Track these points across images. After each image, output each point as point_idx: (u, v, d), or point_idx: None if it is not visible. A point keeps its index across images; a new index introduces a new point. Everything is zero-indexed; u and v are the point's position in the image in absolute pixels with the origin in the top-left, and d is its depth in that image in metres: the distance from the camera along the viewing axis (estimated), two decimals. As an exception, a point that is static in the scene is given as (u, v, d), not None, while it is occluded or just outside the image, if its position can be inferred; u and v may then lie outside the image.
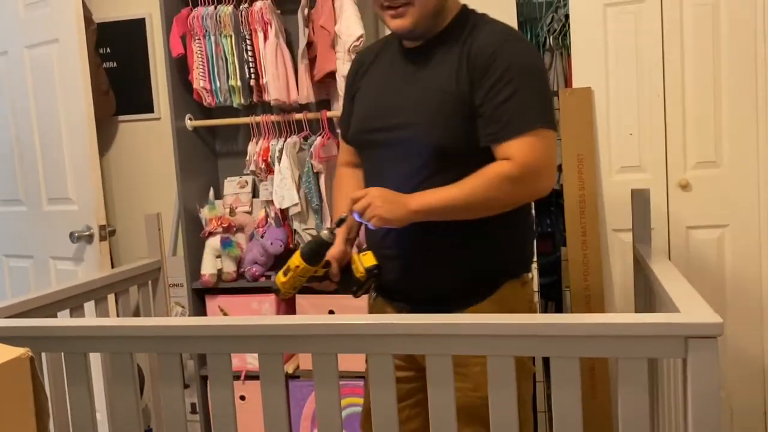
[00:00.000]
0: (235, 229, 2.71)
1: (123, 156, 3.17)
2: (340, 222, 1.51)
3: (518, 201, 1.44)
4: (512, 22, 2.79)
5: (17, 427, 0.79)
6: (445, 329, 1.18)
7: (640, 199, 1.85)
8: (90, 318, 1.80)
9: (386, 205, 1.38)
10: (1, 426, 0.75)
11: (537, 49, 1.52)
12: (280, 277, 1.62)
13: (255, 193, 2.90)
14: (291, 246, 2.67)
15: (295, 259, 1.57)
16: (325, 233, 1.52)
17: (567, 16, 2.86)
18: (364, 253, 1.55)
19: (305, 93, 2.55)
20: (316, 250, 1.52)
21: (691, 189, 2.63)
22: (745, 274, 2.61)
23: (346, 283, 1.54)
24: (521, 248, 1.56)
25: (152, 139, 3.12)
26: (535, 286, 1.65)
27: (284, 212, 2.64)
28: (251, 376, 2.65)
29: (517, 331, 1.16)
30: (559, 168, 2.80)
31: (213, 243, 2.66)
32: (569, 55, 2.87)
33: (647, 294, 1.67)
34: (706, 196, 2.62)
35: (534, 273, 1.64)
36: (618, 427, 1.14)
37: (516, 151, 1.36)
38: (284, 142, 2.60)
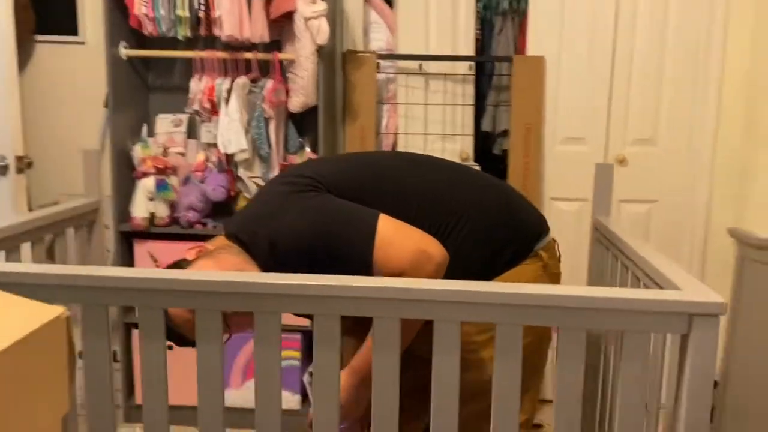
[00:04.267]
0: (171, 171, 2.53)
1: (39, 81, 2.86)
2: None
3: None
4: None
5: (54, 390, 0.69)
6: (452, 296, 1.15)
7: (603, 173, 1.90)
8: (15, 264, 1.61)
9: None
10: (40, 391, 0.65)
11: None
12: None
13: (190, 134, 2.72)
14: (233, 194, 2.54)
15: None
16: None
17: (524, -19, 2.85)
18: None
19: (259, 31, 2.40)
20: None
21: (627, 164, 2.75)
22: (668, 248, 2.78)
23: None
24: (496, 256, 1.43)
25: (72, 64, 2.83)
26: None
27: (228, 157, 2.49)
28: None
29: (526, 301, 1.16)
30: (506, 133, 2.84)
31: (147, 184, 2.48)
32: (521, 21, 2.88)
33: (611, 267, 1.72)
34: (640, 171, 2.75)
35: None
36: (616, 397, 1.18)
37: None
38: (232, 82, 2.44)
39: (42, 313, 0.67)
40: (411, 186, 1.42)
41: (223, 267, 1.30)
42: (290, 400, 2.59)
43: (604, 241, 1.84)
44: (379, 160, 1.52)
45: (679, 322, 1.13)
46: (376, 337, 1.20)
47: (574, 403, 1.19)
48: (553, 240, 1.52)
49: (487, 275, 1.38)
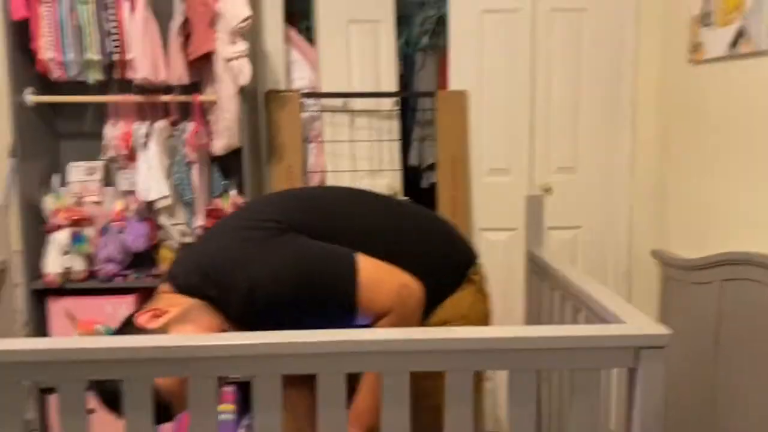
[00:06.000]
0: (86, 222, 2.39)
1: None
2: None
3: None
4: (391, 18, 2.76)
5: None
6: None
7: (533, 204, 1.92)
8: None
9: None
10: None
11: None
12: None
13: (106, 182, 2.58)
14: (155, 242, 2.41)
15: None
16: None
17: (440, 18, 2.90)
18: None
19: (178, 73, 2.32)
20: None
21: (553, 192, 2.81)
22: (594, 271, 2.84)
23: None
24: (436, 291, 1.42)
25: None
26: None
27: (148, 205, 2.37)
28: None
29: (473, 346, 1.13)
30: (432, 166, 2.85)
31: (60, 238, 2.32)
32: (441, 57, 2.92)
33: (548, 299, 1.73)
34: (564, 199, 2.81)
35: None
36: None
37: None
38: (149, 126, 2.34)
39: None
40: (365, 224, 1.42)
41: (210, 331, 1.24)
42: (226, 456, 2.46)
43: (539, 272, 1.85)
44: (327, 197, 1.50)
45: (627, 356, 1.13)
46: (321, 391, 1.14)
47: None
48: (479, 263, 1.56)
49: (432, 304, 1.38)
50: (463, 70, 2.74)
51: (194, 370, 1.11)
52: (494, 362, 1.14)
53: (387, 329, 1.21)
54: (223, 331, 1.28)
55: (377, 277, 1.28)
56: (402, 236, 1.45)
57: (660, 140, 2.73)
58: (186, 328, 1.24)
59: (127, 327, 1.28)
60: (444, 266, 1.47)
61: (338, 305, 1.24)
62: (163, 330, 1.24)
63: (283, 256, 1.27)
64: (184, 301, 1.29)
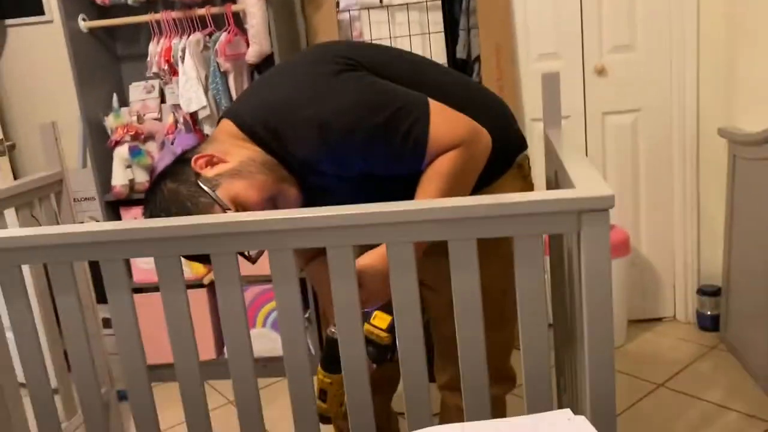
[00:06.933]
0: (143, 136, 2.57)
1: (14, 64, 2.92)
2: None
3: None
4: None
5: None
6: (343, 220, 1.14)
7: (550, 83, 1.81)
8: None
9: (377, 282, 1.23)
10: None
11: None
12: (321, 406, 1.35)
13: (163, 98, 2.74)
14: (204, 151, 2.56)
15: (322, 377, 1.35)
16: (332, 330, 1.29)
17: None
18: (372, 317, 1.33)
19: (207, -15, 2.38)
20: (334, 355, 1.25)
21: (607, 74, 2.63)
22: (657, 157, 2.67)
23: (375, 358, 1.30)
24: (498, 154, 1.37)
25: (46, 43, 2.88)
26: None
27: (194, 116, 2.51)
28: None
29: (414, 217, 1.14)
30: (478, 59, 2.75)
31: (121, 152, 2.53)
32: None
33: (555, 178, 1.67)
34: (621, 80, 2.62)
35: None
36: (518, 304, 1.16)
37: None
38: (186, 40, 2.44)
39: None
40: (437, 77, 1.42)
41: (261, 191, 1.23)
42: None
43: (552, 153, 1.78)
44: (398, 52, 1.48)
45: (570, 221, 1.09)
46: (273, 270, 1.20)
47: (473, 312, 1.17)
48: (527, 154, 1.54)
49: (485, 178, 1.34)
50: (503, -51, 2.58)
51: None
52: (434, 233, 1.14)
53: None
54: (278, 191, 1.25)
55: (451, 114, 1.26)
56: (473, 96, 1.43)
57: (728, 5, 2.45)
58: (237, 185, 1.22)
59: (182, 164, 1.27)
60: (507, 136, 1.44)
61: (412, 134, 1.22)
62: (215, 180, 1.23)
63: (359, 88, 1.24)
64: (241, 153, 1.25)
